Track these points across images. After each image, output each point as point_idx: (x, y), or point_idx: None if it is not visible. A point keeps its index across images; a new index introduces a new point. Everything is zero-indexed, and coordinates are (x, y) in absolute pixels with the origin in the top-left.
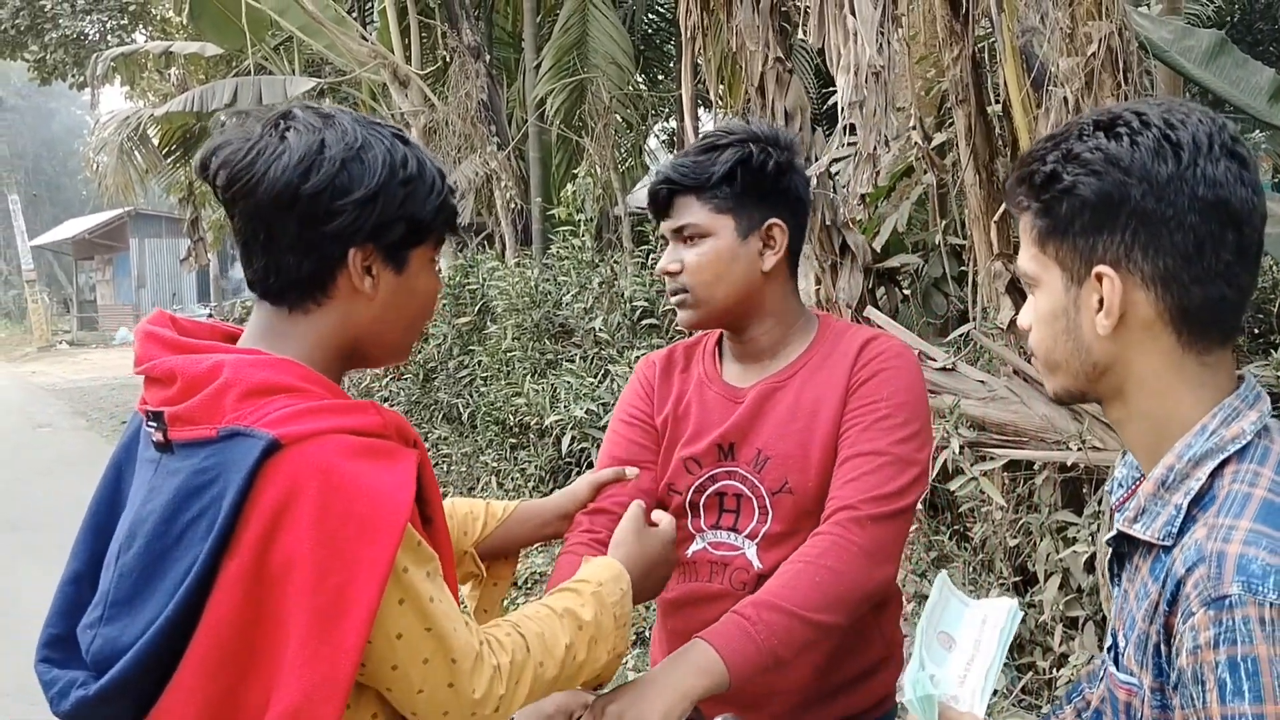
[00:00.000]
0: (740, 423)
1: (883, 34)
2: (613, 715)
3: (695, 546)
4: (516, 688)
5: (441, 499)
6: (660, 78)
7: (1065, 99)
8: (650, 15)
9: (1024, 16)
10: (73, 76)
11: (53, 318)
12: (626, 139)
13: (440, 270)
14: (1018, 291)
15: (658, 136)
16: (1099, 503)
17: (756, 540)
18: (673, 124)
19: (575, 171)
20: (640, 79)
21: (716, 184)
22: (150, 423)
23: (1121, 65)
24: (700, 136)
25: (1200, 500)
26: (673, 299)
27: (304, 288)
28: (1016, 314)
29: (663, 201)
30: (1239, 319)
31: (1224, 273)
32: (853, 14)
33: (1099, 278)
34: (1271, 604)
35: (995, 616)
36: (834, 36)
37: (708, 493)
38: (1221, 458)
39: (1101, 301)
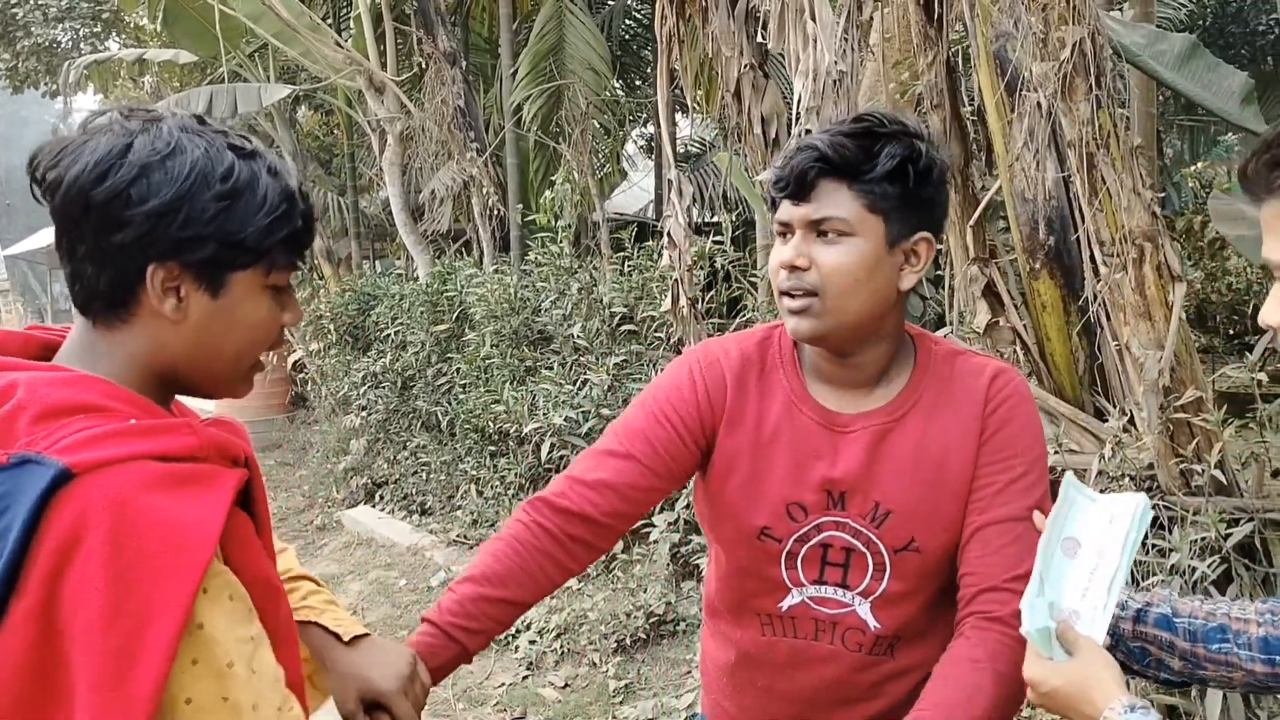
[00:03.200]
0: (853, 467)
1: (846, 39)
2: None
3: (791, 600)
4: None
5: (270, 527)
6: (638, 83)
7: (1039, 103)
8: (628, 21)
9: (998, 21)
10: (45, 84)
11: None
12: (604, 145)
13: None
14: (994, 296)
15: (635, 142)
16: None
17: (870, 598)
18: (650, 129)
19: (553, 178)
20: (618, 85)
21: (878, 178)
22: None
23: (1094, 70)
24: (850, 118)
25: None
26: (790, 301)
27: (105, 301)
28: (992, 318)
29: (806, 183)
30: None
31: None
32: (813, 19)
33: None
34: None
35: (1122, 515)
36: (793, 42)
37: (811, 543)
38: None
39: None
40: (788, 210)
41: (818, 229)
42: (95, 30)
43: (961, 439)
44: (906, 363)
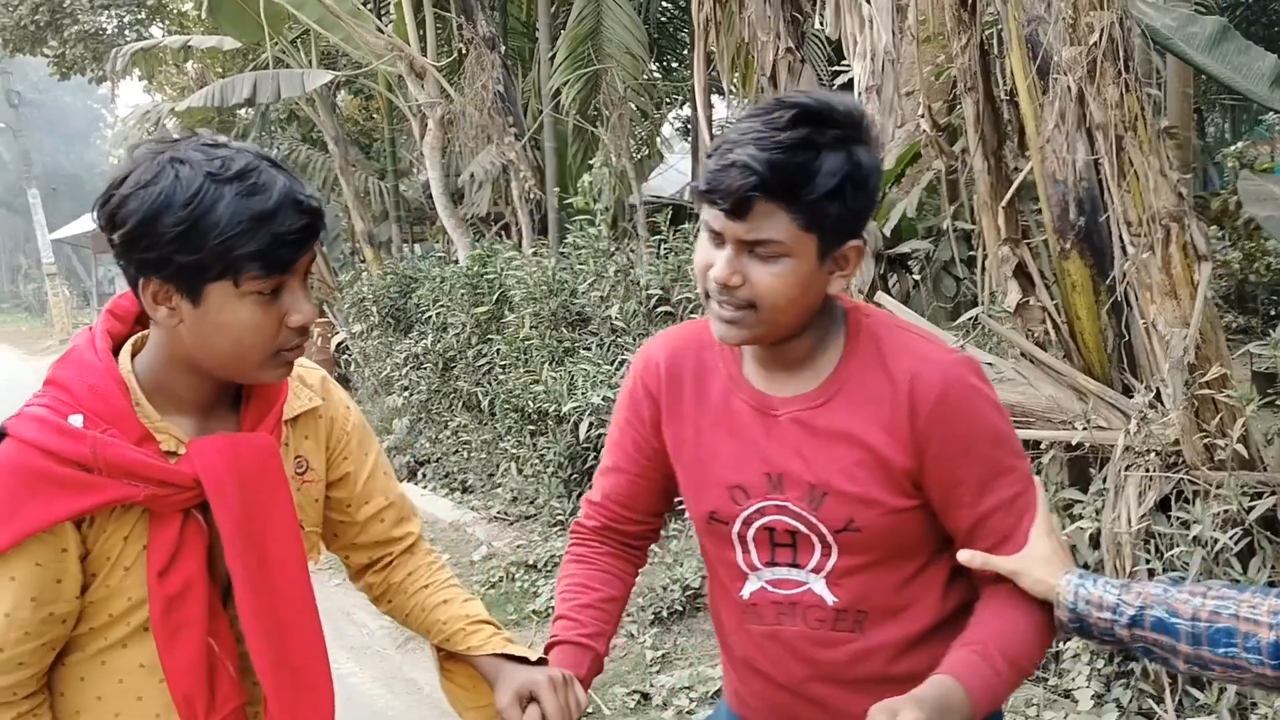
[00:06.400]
0: (789, 450)
1: (895, 21)
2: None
3: (752, 586)
4: None
5: (241, 536)
6: (675, 65)
7: (1068, 87)
8: (665, 4)
9: (1029, 6)
10: (91, 71)
11: (73, 310)
12: (642, 128)
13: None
14: (1025, 276)
15: (673, 124)
16: (1104, 480)
17: (823, 574)
18: (687, 111)
19: (591, 161)
20: (655, 67)
21: (816, 199)
22: None
23: (1123, 54)
24: (787, 116)
25: None
26: (723, 312)
27: (141, 305)
28: (1023, 297)
29: (741, 203)
30: None
31: None
32: (867, 2)
33: None
34: None
35: None
36: (850, 25)
37: (755, 525)
38: None
39: None
40: (721, 222)
41: (750, 246)
42: (140, 17)
43: (889, 433)
44: (836, 343)
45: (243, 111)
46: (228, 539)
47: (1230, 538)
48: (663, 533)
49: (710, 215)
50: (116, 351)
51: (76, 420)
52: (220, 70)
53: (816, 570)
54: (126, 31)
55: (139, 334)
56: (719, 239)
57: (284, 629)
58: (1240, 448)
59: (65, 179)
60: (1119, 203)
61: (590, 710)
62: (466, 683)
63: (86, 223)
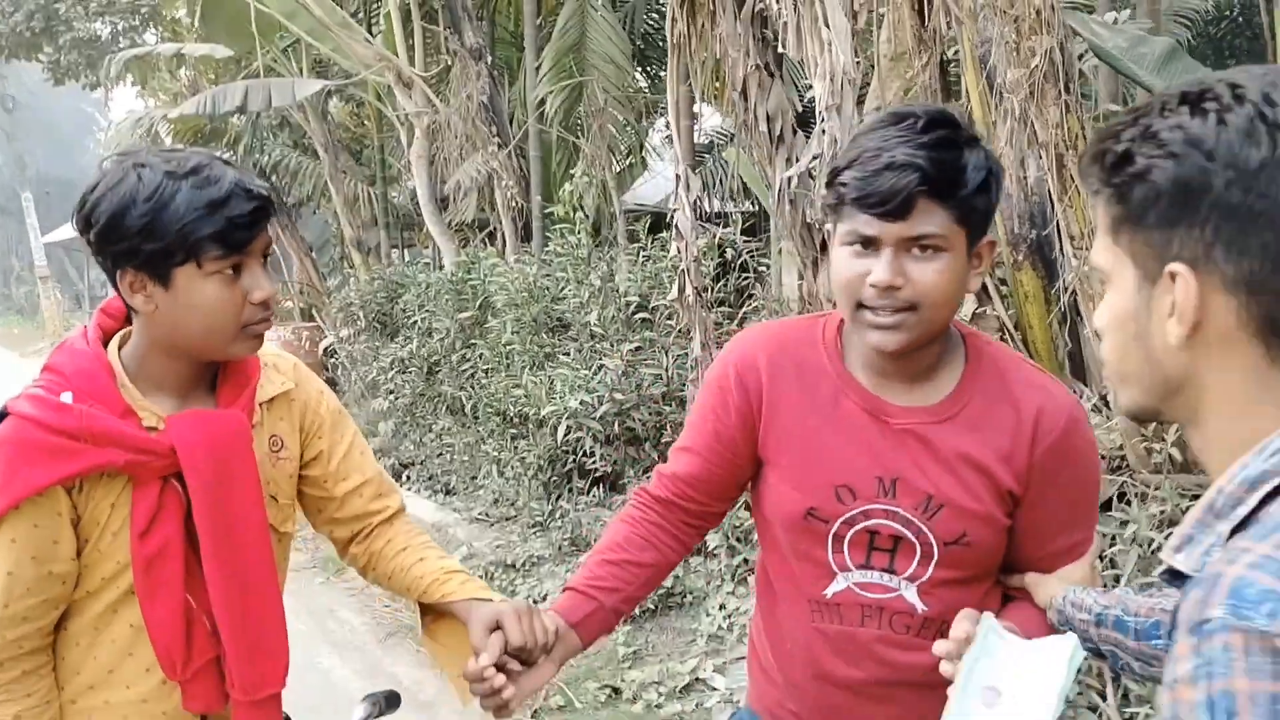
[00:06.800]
0: (906, 458)
1: (854, 43)
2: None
3: (837, 587)
4: None
5: (214, 503)
6: (661, 75)
7: (1013, 108)
8: (650, 15)
9: (982, 28)
10: (85, 77)
11: (65, 314)
12: (626, 137)
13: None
14: (981, 287)
15: (662, 132)
16: None
17: (918, 583)
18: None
19: (573, 171)
20: (640, 77)
21: (970, 193)
22: None
23: (1063, 76)
24: (921, 123)
25: (1245, 528)
26: (881, 319)
27: (120, 297)
28: (979, 307)
29: (901, 202)
30: None
31: None
32: (827, 26)
33: (1172, 277)
34: (1260, 631)
35: (1051, 661)
36: (811, 48)
37: (857, 527)
38: (1278, 481)
39: (1175, 305)
40: (877, 226)
41: (913, 245)
42: (134, 24)
43: (1006, 459)
44: (956, 362)
45: (235, 118)
46: (198, 502)
47: (1165, 537)
48: None
49: (862, 222)
50: (107, 344)
51: (67, 397)
52: (213, 77)
53: (911, 578)
54: (121, 38)
55: (126, 329)
56: (873, 245)
57: (246, 587)
58: (1175, 451)
59: (58, 183)
60: (1062, 217)
61: (562, 704)
62: (449, 640)
63: None
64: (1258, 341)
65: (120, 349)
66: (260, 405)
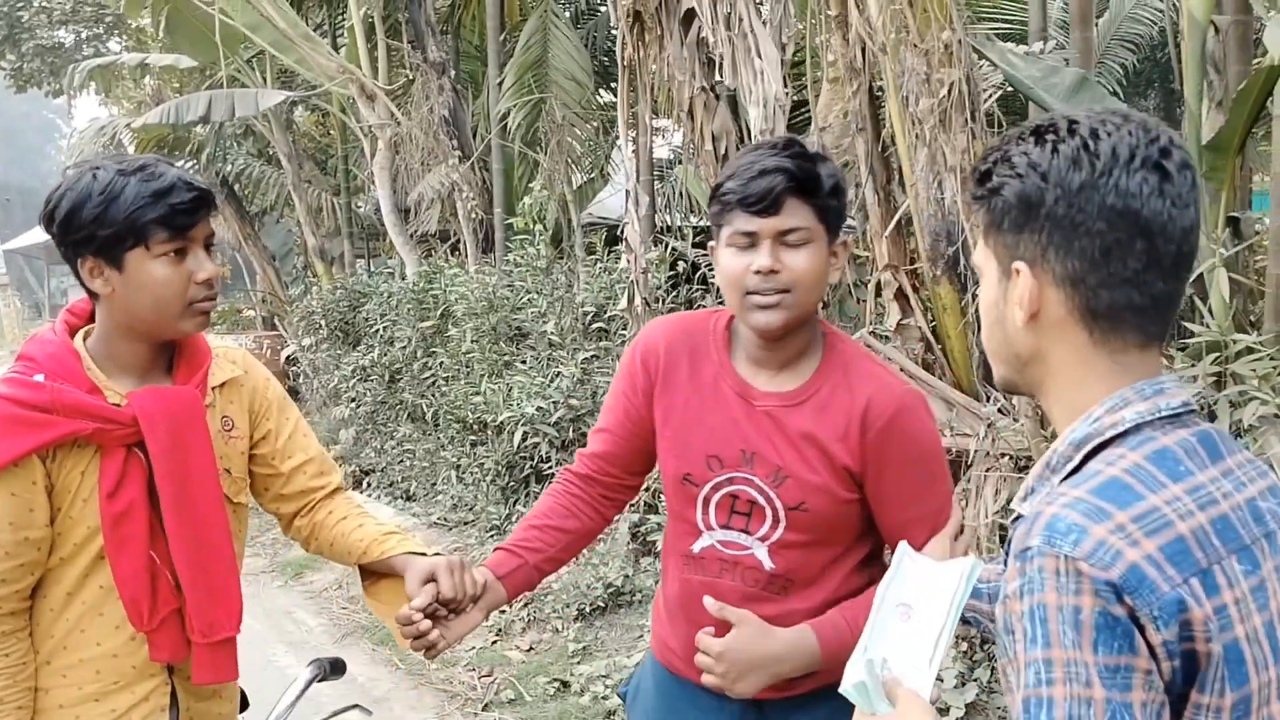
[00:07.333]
0: (763, 435)
1: (784, 72)
2: (715, 649)
3: (703, 543)
4: None
5: (175, 467)
6: None
7: (921, 135)
8: (613, 34)
9: (901, 59)
10: (48, 84)
11: (25, 322)
12: (588, 152)
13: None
14: (904, 298)
15: (620, 148)
16: (967, 481)
17: (768, 543)
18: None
19: (533, 185)
20: (604, 93)
21: (826, 193)
22: None
23: (969, 106)
24: (781, 143)
25: (1071, 479)
26: (761, 299)
27: (83, 287)
28: (902, 318)
29: (773, 199)
30: (1161, 322)
31: (1132, 279)
32: (759, 56)
33: (1017, 272)
34: (1065, 556)
35: (951, 576)
36: (745, 77)
37: (722, 492)
38: (1098, 441)
39: (1019, 296)
40: (755, 222)
41: (784, 237)
42: (98, 33)
43: (842, 441)
44: (815, 354)
45: (199, 128)
46: (158, 466)
47: None
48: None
49: (742, 220)
50: (73, 336)
51: (40, 378)
52: (177, 86)
53: (763, 539)
54: (85, 46)
55: (89, 325)
56: (751, 239)
57: (201, 543)
58: None
59: (19, 190)
60: (971, 234)
61: (513, 698)
62: (389, 596)
63: (40, 234)
64: (1083, 326)
65: (85, 340)
66: (213, 389)
